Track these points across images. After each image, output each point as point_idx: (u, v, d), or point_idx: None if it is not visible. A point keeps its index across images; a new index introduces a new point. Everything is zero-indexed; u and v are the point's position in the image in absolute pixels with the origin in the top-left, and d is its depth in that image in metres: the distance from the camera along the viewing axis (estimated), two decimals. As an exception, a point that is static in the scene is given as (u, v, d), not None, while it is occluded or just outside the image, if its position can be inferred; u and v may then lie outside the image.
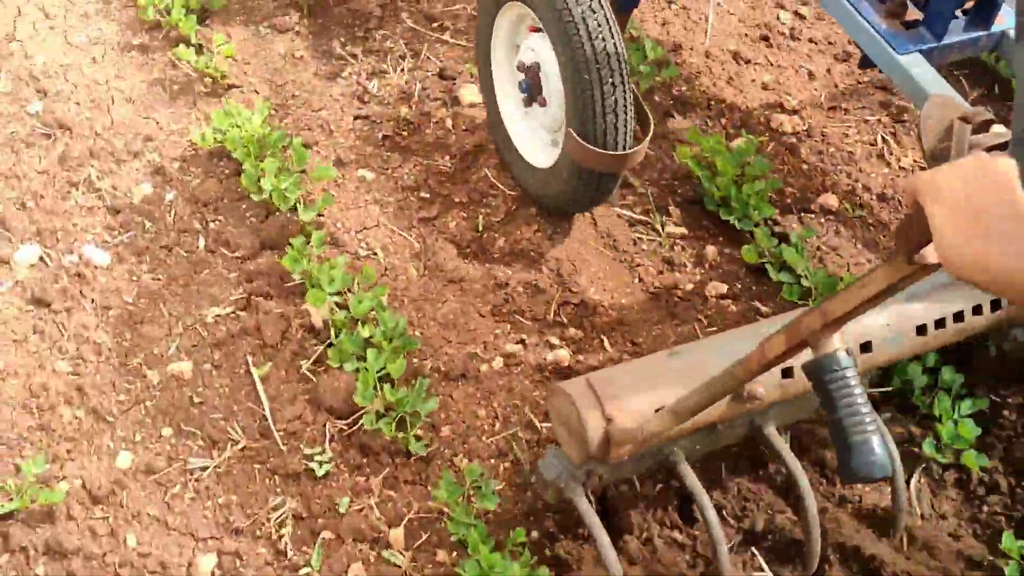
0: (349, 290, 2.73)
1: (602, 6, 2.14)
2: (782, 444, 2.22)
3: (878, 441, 1.37)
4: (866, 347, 2.13)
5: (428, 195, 3.06)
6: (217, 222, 3.00)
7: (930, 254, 1.23)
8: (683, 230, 3.01)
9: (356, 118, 3.32)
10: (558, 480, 2.14)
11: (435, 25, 3.64)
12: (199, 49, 3.45)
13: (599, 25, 2.10)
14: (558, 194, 2.60)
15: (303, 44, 3.56)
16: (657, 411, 1.99)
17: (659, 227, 2.99)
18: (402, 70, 3.46)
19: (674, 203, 3.08)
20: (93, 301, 2.77)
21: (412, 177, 3.11)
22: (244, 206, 3.03)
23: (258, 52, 3.52)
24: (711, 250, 2.96)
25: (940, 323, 2.18)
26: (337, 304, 2.71)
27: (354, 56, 3.52)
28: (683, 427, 1.99)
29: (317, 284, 2.72)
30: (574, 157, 2.35)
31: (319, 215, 2.96)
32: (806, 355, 1.47)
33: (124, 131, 3.21)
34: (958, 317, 2.19)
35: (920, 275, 1.27)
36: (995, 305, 2.22)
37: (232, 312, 2.77)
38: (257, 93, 3.38)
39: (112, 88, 3.34)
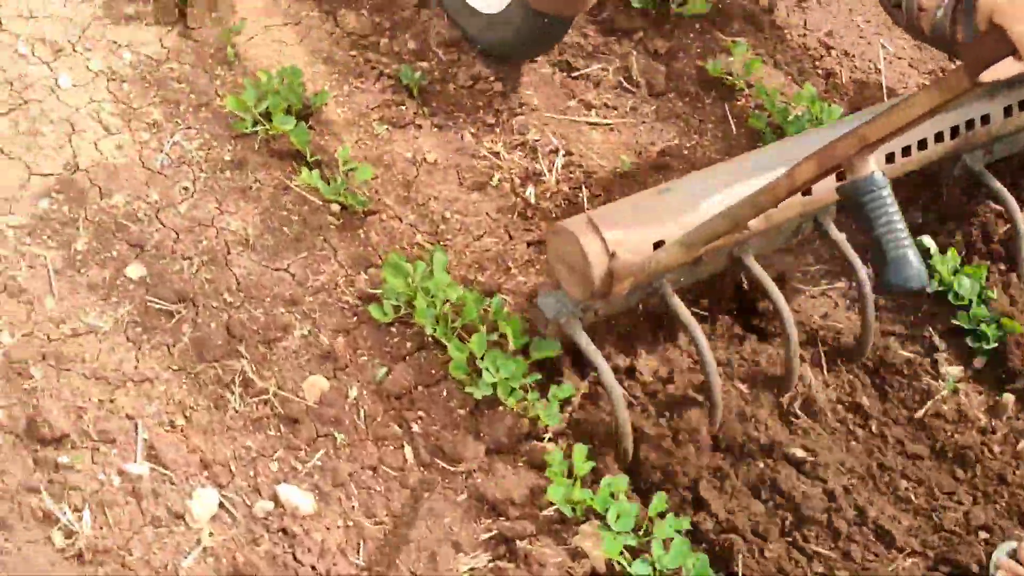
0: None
1: None
2: (762, 273, 2.41)
3: (914, 254, 1.53)
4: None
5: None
6: (420, 421, 2.42)
7: (994, 72, 1.38)
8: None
9: (529, 244, 2.75)
10: (558, 317, 2.32)
11: (576, 101, 3.05)
12: (319, 167, 2.77)
13: None
14: (506, 41, 2.70)
15: (430, 142, 2.91)
16: (657, 245, 2.17)
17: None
18: (558, 168, 2.88)
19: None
20: (315, 570, 2.17)
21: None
22: (445, 393, 2.45)
23: (380, 158, 2.86)
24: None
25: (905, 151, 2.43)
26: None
27: (496, 154, 2.91)
28: (674, 258, 2.09)
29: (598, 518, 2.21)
30: (530, 2, 2.42)
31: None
32: None
33: (257, 293, 2.55)
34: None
35: (969, 95, 1.45)
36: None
37: (490, 564, 2.22)
38: (400, 221, 2.75)
39: (221, 230, 2.64)
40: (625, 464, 2.33)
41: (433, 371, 2.48)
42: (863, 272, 2.47)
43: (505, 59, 2.94)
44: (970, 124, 2.49)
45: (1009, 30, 1.30)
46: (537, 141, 2.91)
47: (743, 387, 2.52)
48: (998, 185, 2.61)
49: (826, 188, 2.29)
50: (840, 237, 2.49)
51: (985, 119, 2.50)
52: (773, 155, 2.41)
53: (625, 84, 3.10)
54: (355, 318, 2.55)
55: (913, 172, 2.55)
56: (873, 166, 1.56)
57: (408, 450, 2.37)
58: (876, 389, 2.62)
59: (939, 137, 2.47)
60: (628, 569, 2.15)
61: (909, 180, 2.68)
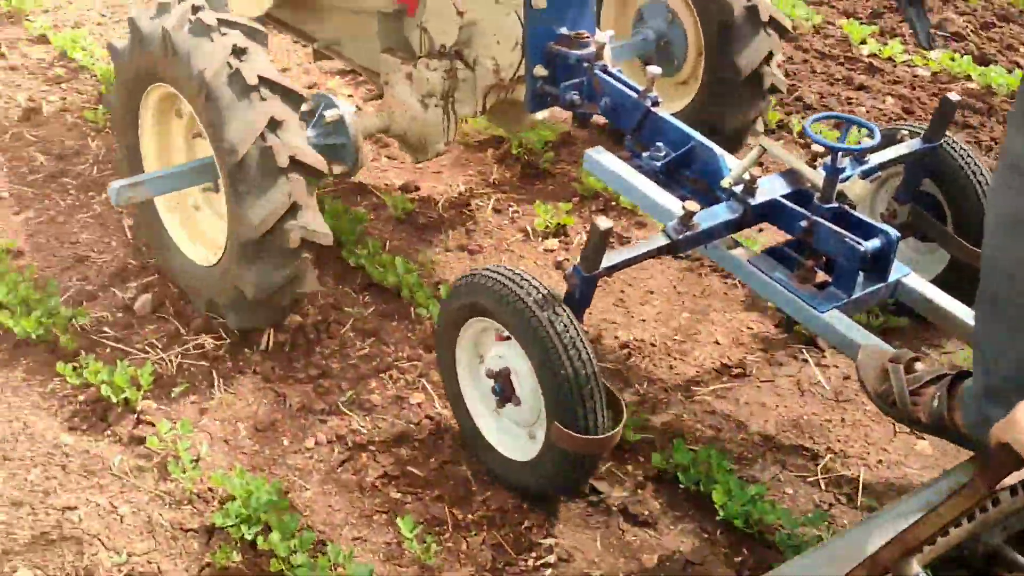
0: None
1: (564, 308, 2.35)
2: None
3: None
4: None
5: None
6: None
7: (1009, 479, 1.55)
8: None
9: None
10: None
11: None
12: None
13: (565, 326, 2.32)
14: (543, 482, 2.60)
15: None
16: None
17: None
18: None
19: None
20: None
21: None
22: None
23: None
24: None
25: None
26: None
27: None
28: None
29: None
30: (561, 446, 2.42)
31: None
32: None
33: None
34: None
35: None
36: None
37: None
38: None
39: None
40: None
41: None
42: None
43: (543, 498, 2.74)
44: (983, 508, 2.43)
45: (1014, 443, 1.54)
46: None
47: None
48: (1017, 557, 2.44)
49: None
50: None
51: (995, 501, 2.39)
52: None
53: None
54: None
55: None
56: (916, 567, 1.80)
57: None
58: None
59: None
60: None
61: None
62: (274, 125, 2.74)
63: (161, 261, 3.32)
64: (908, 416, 2.37)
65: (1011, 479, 1.67)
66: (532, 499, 2.64)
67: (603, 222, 2.31)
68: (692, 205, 2.51)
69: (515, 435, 2.64)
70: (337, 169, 3.18)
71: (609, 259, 2.43)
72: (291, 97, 2.82)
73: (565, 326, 2.32)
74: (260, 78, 2.75)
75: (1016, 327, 1.97)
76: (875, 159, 2.81)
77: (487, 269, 2.46)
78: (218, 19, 2.84)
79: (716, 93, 3.68)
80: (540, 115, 3.44)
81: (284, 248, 2.81)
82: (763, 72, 3.63)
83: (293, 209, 2.77)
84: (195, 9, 2.85)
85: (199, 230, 3.24)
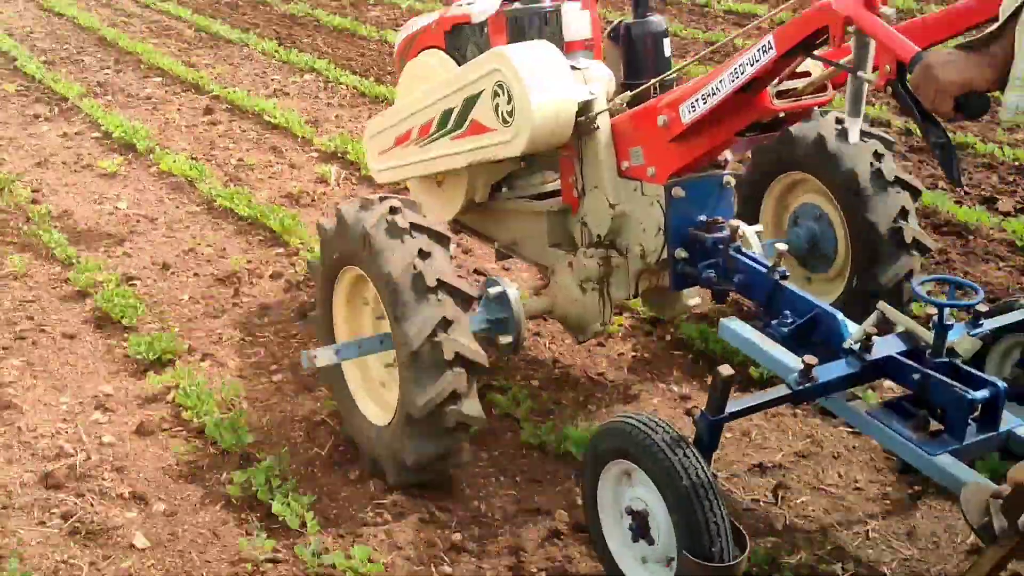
0: None
1: (692, 449, 2.59)
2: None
3: None
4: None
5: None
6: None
7: None
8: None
9: None
10: None
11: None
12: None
13: (693, 466, 2.55)
14: None
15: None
16: None
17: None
18: None
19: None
20: None
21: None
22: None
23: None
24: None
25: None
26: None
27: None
28: None
29: None
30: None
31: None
32: None
33: None
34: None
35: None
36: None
37: None
38: None
39: None
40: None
41: None
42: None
43: None
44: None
45: None
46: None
47: None
48: None
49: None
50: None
51: None
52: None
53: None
54: None
55: None
56: None
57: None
58: None
59: None
60: None
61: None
62: (445, 324, 3.10)
63: (345, 420, 3.67)
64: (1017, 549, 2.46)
65: None
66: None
67: (725, 369, 2.54)
68: (811, 359, 2.72)
69: (652, 571, 2.82)
70: (503, 340, 3.48)
71: (734, 405, 2.66)
72: (463, 298, 3.17)
73: (693, 466, 2.55)
74: (439, 281, 3.11)
75: None
76: (989, 323, 3.00)
77: (626, 415, 2.72)
78: (411, 223, 3.20)
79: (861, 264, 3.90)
80: (692, 301, 3.74)
81: (441, 428, 3.17)
82: (902, 227, 3.81)
83: (453, 396, 3.12)
84: (393, 211, 3.22)
85: (378, 394, 3.58)
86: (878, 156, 3.86)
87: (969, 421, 2.66)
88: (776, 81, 3.09)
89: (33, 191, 6.10)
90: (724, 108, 3.07)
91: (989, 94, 2.33)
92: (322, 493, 3.40)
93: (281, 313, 4.63)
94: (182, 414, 3.84)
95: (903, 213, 3.83)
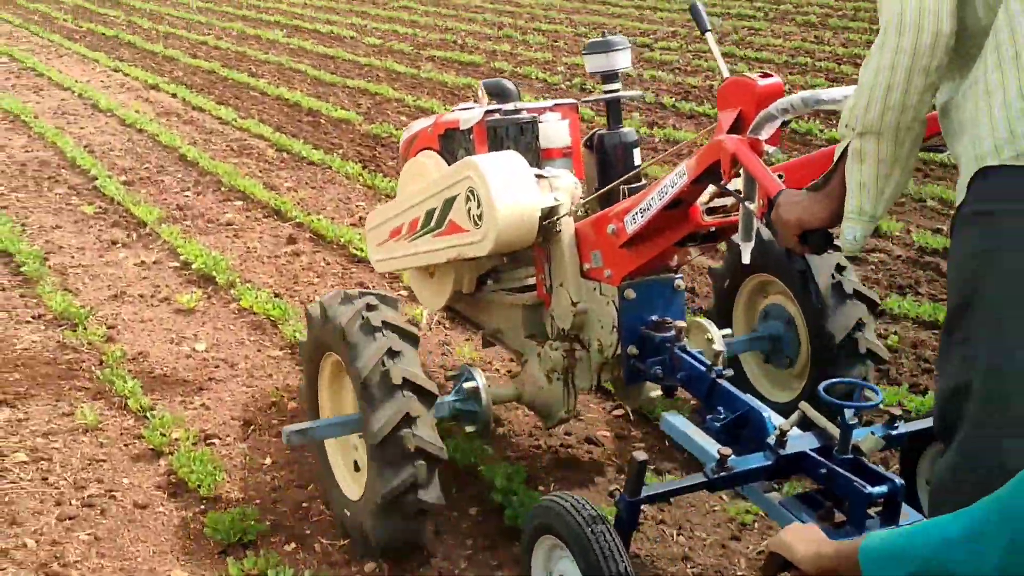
0: None
1: (608, 526, 2.85)
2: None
3: None
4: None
5: None
6: None
7: None
8: None
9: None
10: None
11: None
12: None
13: (607, 541, 2.81)
14: None
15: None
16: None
17: None
18: None
19: None
20: None
21: None
22: None
23: None
24: None
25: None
26: None
27: None
28: None
29: None
30: None
31: None
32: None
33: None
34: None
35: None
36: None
37: None
38: None
39: None
40: None
41: None
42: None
43: None
44: None
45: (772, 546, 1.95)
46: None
47: None
48: None
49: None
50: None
51: None
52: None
53: None
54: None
55: None
56: None
57: None
58: None
59: None
60: None
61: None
62: (409, 420, 3.37)
63: (326, 491, 4.00)
64: None
65: None
66: None
67: (640, 455, 2.85)
68: (725, 451, 3.00)
69: None
70: (469, 428, 3.90)
71: (651, 489, 2.98)
72: (426, 396, 3.45)
73: (607, 543, 2.82)
74: (404, 380, 3.40)
75: None
76: (904, 426, 3.19)
77: (555, 495, 3.01)
78: (383, 321, 3.50)
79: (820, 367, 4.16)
80: (654, 393, 4.04)
81: (403, 513, 3.44)
82: (857, 338, 4.07)
83: (415, 486, 3.39)
84: (369, 308, 3.53)
85: (353, 470, 3.86)
86: (840, 269, 4.10)
87: (871, 514, 2.86)
88: (707, 199, 3.35)
89: (108, 327, 5.77)
90: (660, 221, 3.36)
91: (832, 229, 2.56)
92: None
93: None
94: (267, 621, 3.40)
95: (859, 325, 4.07)
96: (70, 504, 4.08)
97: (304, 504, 4.08)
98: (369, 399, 3.38)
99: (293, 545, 3.83)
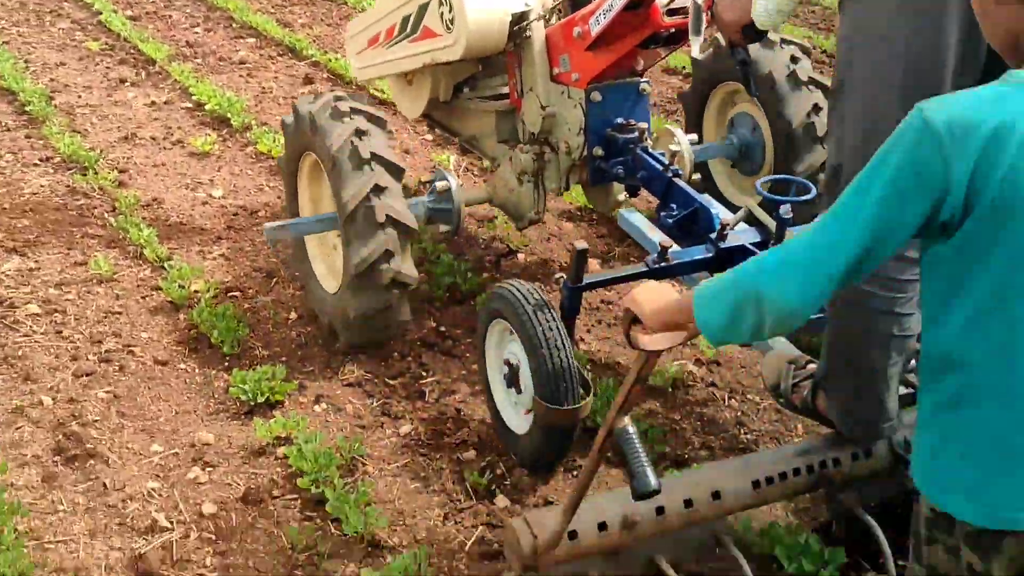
0: None
1: (550, 307, 3.04)
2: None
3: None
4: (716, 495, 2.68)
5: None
6: None
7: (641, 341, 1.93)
8: None
9: None
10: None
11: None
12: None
13: (549, 323, 3.00)
14: (531, 451, 3.21)
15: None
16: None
17: None
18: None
19: None
20: None
21: None
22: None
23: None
24: None
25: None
26: None
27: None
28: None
29: None
30: (540, 417, 3.05)
31: None
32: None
33: None
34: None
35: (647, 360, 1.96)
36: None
37: None
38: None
39: None
40: None
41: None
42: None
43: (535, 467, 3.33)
44: (823, 464, 2.81)
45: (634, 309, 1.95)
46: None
47: None
48: (869, 519, 2.76)
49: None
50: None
51: (836, 461, 2.82)
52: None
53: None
54: None
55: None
56: (626, 421, 2.09)
57: None
58: None
59: (796, 471, 2.80)
60: None
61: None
62: (378, 190, 3.54)
63: (307, 293, 4.16)
64: (790, 404, 2.93)
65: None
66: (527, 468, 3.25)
67: (580, 244, 3.04)
68: (667, 242, 3.19)
69: (518, 413, 3.27)
70: (443, 228, 4.03)
71: (593, 277, 3.22)
72: (394, 169, 3.61)
73: (550, 324, 3.01)
74: (372, 154, 3.55)
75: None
76: None
77: (507, 283, 3.17)
78: (351, 107, 3.68)
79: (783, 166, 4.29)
80: (620, 196, 4.17)
81: (378, 284, 3.59)
82: (814, 121, 4.18)
83: (387, 255, 3.55)
84: (337, 99, 3.74)
85: (335, 267, 3.97)
86: (794, 59, 4.21)
87: None
88: (667, 1, 3.45)
89: (119, 172, 5.47)
90: (621, 22, 3.50)
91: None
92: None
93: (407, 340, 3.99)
94: (296, 480, 3.21)
95: (815, 109, 4.17)
96: (87, 359, 3.87)
97: (334, 365, 3.86)
98: (340, 177, 3.54)
99: (323, 406, 3.63)
